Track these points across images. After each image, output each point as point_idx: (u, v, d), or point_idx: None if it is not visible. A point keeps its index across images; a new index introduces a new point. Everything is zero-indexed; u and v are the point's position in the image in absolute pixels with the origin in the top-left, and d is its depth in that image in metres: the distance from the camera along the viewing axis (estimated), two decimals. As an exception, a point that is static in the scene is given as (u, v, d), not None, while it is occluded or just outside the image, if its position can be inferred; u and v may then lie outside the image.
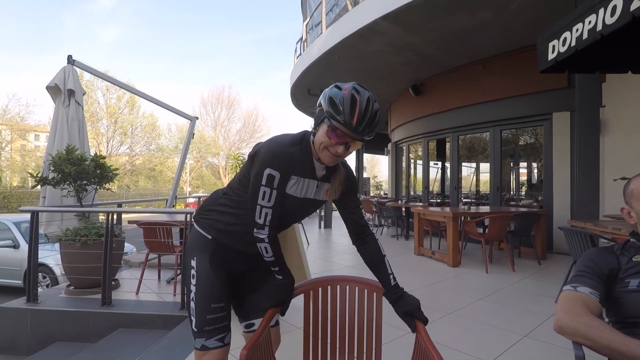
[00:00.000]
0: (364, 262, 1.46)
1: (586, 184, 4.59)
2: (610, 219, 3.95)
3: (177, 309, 3.47)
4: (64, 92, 4.66)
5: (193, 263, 1.39)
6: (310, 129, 1.34)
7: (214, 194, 1.52)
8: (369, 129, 1.20)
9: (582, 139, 4.65)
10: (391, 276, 1.41)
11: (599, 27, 2.62)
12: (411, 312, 1.33)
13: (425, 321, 1.31)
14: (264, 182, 1.24)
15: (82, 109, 4.91)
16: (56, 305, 3.65)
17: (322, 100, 1.24)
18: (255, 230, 1.28)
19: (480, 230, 5.48)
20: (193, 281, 1.38)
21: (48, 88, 4.77)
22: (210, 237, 1.41)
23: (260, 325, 1.32)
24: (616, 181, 3.72)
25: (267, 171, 1.23)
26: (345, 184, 1.41)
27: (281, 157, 1.25)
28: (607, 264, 1.26)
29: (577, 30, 2.93)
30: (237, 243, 1.41)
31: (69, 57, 4.87)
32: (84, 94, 5.22)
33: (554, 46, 3.43)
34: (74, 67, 4.86)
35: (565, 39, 3.14)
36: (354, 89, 1.20)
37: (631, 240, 1.31)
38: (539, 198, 7.03)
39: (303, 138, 1.32)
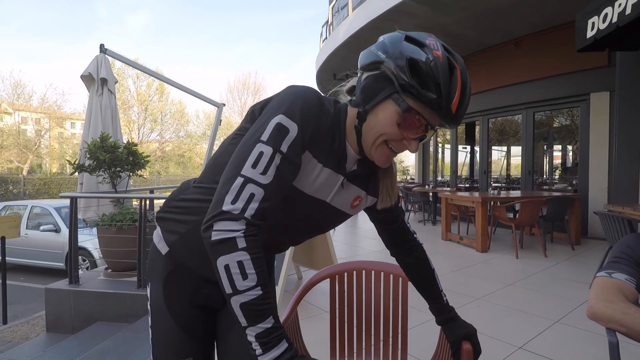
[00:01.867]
0: (408, 277, 1.14)
1: (626, 166, 4.37)
2: (653, 204, 3.75)
3: (208, 291, 3.60)
4: (97, 80, 4.82)
5: (147, 291, 0.95)
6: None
7: (182, 185, 0.98)
8: (460, 118, 0.76)
9: (622, 119, 4.41)
10: (442, 293, 1.12)
11: (645, -2, 2.46)
12: (468, 338, 1.07)
13: (479, 352, 1.06)
14: (264, 137, 0.71)
15: (115, 97, 5.07)
16: (96, 287, 3.86)
17: (389, 59, 0.74)
18: (214, 222, 0.66)
19: (511, 215, 5.33)
20: (149, 320, 0.95)
21: (82, 77, 4.95)
22: (164, 251, 0.92)
23: (292, 301, 1.23)
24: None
25: (279, 119, 0.72)
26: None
27: (311, 109, 0.76)
28: (647, 251, 1.21)
29: (619, 5, 2.76)
30: (205, 263, 0.76)
31: (101, 46, 5.01)
32: (116, 82, 5.39)
33: (593, 23, 3.24)
34: (106, 55, 5.01)
35: (606, 15, 2.96)
36: (445, 49, 0.75)
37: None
38: (574, 182, 6.75)
39: (336, 105, 0.84)
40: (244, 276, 0.65)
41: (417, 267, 1.10)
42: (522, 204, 4.94)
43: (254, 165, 0.69)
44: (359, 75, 0.82)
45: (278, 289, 3.04)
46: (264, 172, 0.69)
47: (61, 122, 30.66)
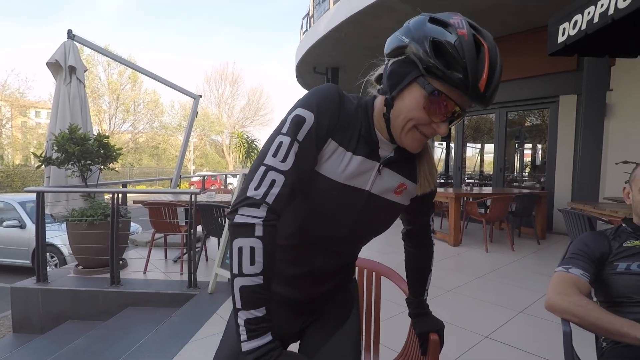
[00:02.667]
0: (405, 262, 1.19)
1: (588, 166, 4.61)
2: (609, 202, 3.98)
3: (185, 287, 3.57)
4: (65, 68, 4.62)
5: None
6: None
7: None
8: (492, 96, 0.75)
9: (586, 122, 4.64)
10: (426, 292, 1.19)
11: (611, 10, 2.59)
12: (435, 331, 1.13)
13: (441, 344, 1.12)
14: (284, 130, 0.75)
15: (84, 87, 4.89)
16: (66, 284, 3.75)
17: (413, 43, 0.73)
18: (239, 207, 0.71)
19: (482, 210, 5.53)
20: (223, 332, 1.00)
21: (49, 64, 4.73)
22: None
23: None
24: (618, 165, 3.74)
25: (296, 112, 0.77)
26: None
27: (328, 99, 0.79)
28: (600, 248, 1.31)
29: (588, 13, 2.89)
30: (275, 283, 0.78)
31: (69, 31, 4.79)
32: (86, 70, 5.19)
33: (564, 29, 3.38)
34: (75, 42, 4.80)
35: (576, 22, 3.09)
36: (472, 27, 0.72)
37: (623, 225, 1.35)
38: (542, 180, 7.04)
39: (361, 99, 0.87)
40: (252, 262, 0.68)
41: (418, 262, 1.15)
42: (493, 200, 5.13)
43: (275, 154, 0.73)
44: (385, 62, 0.81)
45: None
46: (284, 160, 0.73)
47: (24, 110, 29.25)
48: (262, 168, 0.72)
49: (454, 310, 3.05)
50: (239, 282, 0.68)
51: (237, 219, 0.70)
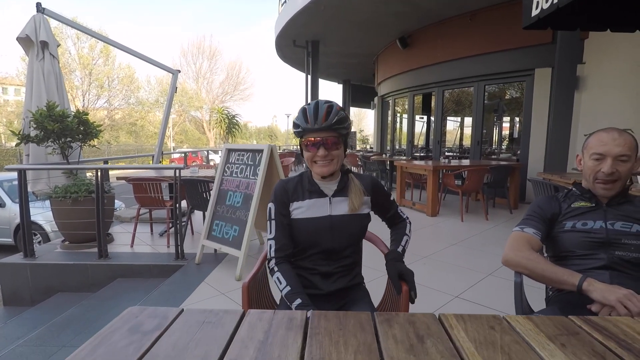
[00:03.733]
0: (390, 237, 1.55)
1: (558, 138, 4.82)
2: (576, 171, 4.23)
3: (172, 259, 3.68)
4: (37, 44, 4.48)
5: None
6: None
7: None
8: (327, 120, 1.26)
9: (557, 94, 4.81)
10: (401, 247, 1.45)
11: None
12: (403, 276, 1.34)
13: (414, 295, 1.32)
14: (267, 217, 1.39)
15: (58, 62, 4.75)
16: (54, 259, 3.81)
17: (293, 131, 1.41)
18: (268, 264, 1.37)
19: (459, 182, 5.75)
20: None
21: (19, 39, 4.56)
22: None
23: (258, 261, 1.50)
24: (586, 136, 3.95)
25: (269, 205, 1.38)
26: (370, 191, 1.44)
27: (277, 190, 1.38)
28: (551, 209, 1.47)
29: (561, -14, 2.97)
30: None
31: (38, 4, 4.60)
32: (59, 45, 5.02)
33: (538, 2, 3.46)
34: (45, 15, 4.63)
35: (548, -5, 3.18)
36: (305, 104, 1.37)
37: (573, 189, 1.51)
38: (518, 152, 7.31)
39: (303, 171, 1.43)
40: (280, 283, 1.29)
41: (394, 233, 1.54)
42: (468, 172, 5.35)
43: (268, 232, 1.37)
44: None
45: (241, 253, 3.19)
46: (270, 232, 1.36)
47: (-10, 87, 27.77)
48: (267, 241, 1.38)
49: (429, 274, 3.27)
50: (282, 293, 1.28)
51: (270, 266, 1.36)
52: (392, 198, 1.56)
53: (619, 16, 3.75)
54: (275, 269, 1.32)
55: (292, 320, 0.84)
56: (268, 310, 0.90)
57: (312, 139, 1.28)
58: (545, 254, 1.54)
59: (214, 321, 0.83)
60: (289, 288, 1.27)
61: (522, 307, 1.41)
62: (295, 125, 1.33)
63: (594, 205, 1.42)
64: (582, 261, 1.37)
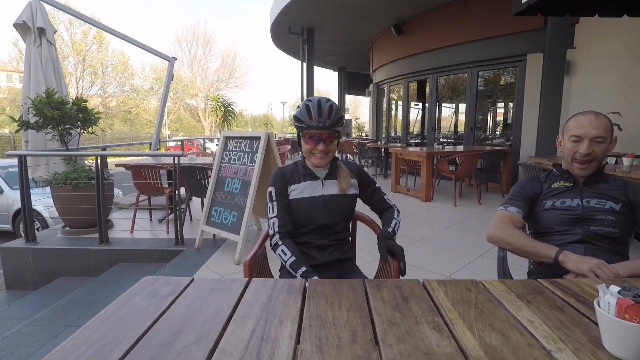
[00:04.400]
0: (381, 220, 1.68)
1: (548, 122, 4.92)
2: (566, 155, 4.33)
3: (172, 244, 3.77)
4: (34, 30, 4.48)
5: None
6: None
7: None
8: (329, 120, 1.42)
9: (548, 79, 4.89)
10: (391, 228, 1.56)
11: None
12: (393, 251, 1.44)
13: (403, 265, 1.40)
14: (268, 200, 1.52)
15: (55, 49, 4.76)
16: (55, 244, 3.89)
17: (293, 122, 1.53)
18: (270, 240, 1.48)
19: (453, 168, 5.87)
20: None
21: (16, 25, 4.57)
22: None
23: (258, 241, 1.59)
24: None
25: (269, 189, 1.53)
26: (356, 175, 1.61)
27: (275, 175, 1.53)
28: (533, 189, 1.57)
29: (548, -27, 3.01)
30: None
31: (34, -9, 4.60)
32: (55, 32, 5.02)
33: (528, -12, 3.52)
34: (41, 2, 4.62)
35: (537, -18, 3.23)
36: (307, 99, 1.47)
37: (554, 170, 1.61)
38: (511, 137, 7.42)
39: (298, 160, 1.61)
40: (285, 254, 1.41)
41: (384, 218, 1.66)
42: (462, 158, 5.46)
43: (269, 211, 1.50)
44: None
45: (240, 238, 3.29)
46: (272, 212, 1.49)
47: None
48: (269, 220, 1.50)
49: (422, 256, 3.40)
50: (288, 264, 1.39)
51: (273, 242, 1.47)
52: (377, 185, 1.70)
53: (607, 1, 3.81)
54: (280, 242, 1.44)
55: (292, 287, 0.94)
56: (270, 279, 1.00)
57: (315, 135, 1.45)
58: (528, 231, 1.65)
59: (223, 287, 0.93)
60: (294, 258, 1.40)
61: (504, 278, 1.52)
62: (297, 119, 1.46)
63: (571, 184, 1.52)
64: (560, 236, 1.48)
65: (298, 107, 1.49)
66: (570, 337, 0.71)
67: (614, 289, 0.67)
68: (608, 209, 1.44)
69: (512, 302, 0.84)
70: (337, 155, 1.61)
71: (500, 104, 8.24)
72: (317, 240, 1.53)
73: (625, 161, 3.50)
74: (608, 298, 0.66)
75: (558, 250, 1.31)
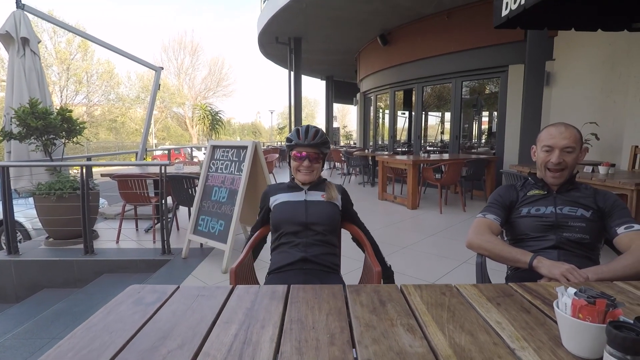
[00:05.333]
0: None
1: (529, 131, 5.07)
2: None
3: (159, 253, 3.75)
4: (17, 40, 4.46)
5: None
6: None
7: None
8: (315, 139, 1.66)
9: (528, 89, 5.06)
10: (387, 262, 1.76)
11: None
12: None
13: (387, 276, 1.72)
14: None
15: (39, 59, 4.73)
16: (39, 255, 3.83)
17: (286, 145, 1.77)
18: None
19: (439, 176, 5.98)
20: None
21: (-1, 35, 4.55)
22: None
23: (244, 250, 1.63)
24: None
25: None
26: (340, 193, 1.77)
27: (264, 191, 1.80)
28: (509, 197, 1.64)
29: (527, -12, 3.14)
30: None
31: (18, 0, 4.59)
32: (39, 42, 4.99)
33: (507, 3, 3.66)
34: (25, 12, 4.60)
35: (516, -3, 3.36)
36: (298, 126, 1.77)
37: (529, 178, 1.68)
38: (495, 146, 7.59)
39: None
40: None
41: (372, 247, 1.73)
42: (447, 166, 5.57)
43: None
44: None
45: (227, 247, 3.30)
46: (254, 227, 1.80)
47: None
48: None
49: (407, 263, 3.45)
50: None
51: None
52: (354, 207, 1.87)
53: (583, 16, 3.99)
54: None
55: (275, 293, 0.98)
56: (254, 286, 1.03)
57: (300, 152, 1.67)
58: (505, 238, 1.71)
59: (207, 294, 0.96)
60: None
61: (482, 282, 1.57)
62: (288, 139, 1.72)
63: (545, 192, 1.59)
64: (535, 242, 1.55)
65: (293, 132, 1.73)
66: (533, 336, 0.76)
67: (571, 290, 0.72)
68: (579, 216, 1.51)
69: (483, 304, 0.89)
70: (325, 163, 1.78)
71: (485, 113, 8.44)
72: (300, 239, 1.61)
73: (601, 169, 3.63)
74: (565, 299, 0.71)
75: (532, 256, 1.37)
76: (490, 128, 8.42)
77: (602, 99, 5.13)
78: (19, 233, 5.90)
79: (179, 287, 1.00)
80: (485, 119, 8.54)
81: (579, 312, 0.68)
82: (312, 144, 1.66)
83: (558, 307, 0.73)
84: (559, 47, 5.79)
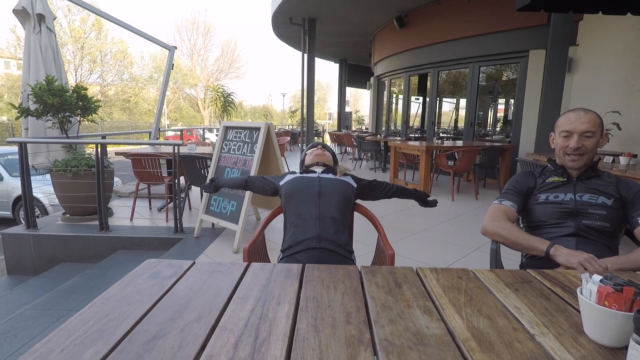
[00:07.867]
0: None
1: (548, 119, 4.94)
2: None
3: (172, 232, 3.81)
4: (33, 16, 4.46)
5: None
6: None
7: None
8: (326, 148, 2.00)
9: (549, 76, 4.90)
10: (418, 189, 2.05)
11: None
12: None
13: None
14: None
15: (55, 36, 4.75)
16: (56, 230, 3.92)
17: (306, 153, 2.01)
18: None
19: (452, 163, 5.89)
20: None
21: (15, 11, 4.56)
22: None
23: (257, 229, 1.64)
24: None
25: None
26: (356, 181, 1.83)
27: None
28: (527, 184, 1.61)
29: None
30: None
31: (33, -24, 4.57)
32: (55, 18, 5.00)
33: (531, -16, 3.51)
34: (41, -13, 4.59)
35: (540, -22, 3.22)
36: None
37: (548, 165, 1.64)
38: (511, 134, 7.43)
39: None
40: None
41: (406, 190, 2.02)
42: (460, 153, 5.48)
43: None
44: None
45: (238, 227, 3.33)
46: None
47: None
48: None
49: (417, 249, 3.44)
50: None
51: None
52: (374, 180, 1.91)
53: None
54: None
55: (290, 271, 0.98)
56: (269, 264, 1.03)
57: (314, 149, 1.95)
58: (521, 225, 1.68)
59: (223, 270, 0.96)
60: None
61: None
62: (305, 154, 1.99)
63: (565, 179, 1.55)
64: (553, 229, 1.52)
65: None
66: (553, 323, 0.75)
67: (597, 277, 0.70)
68: (600, 203, 1.47)
69: (501, 290, 0.88)
70: (337, 148, 1.81)
71: (501, 100, 8.23)
72: (313, 210, 1.62)
73: (622, 160, 3.53)
74: (590, 286, 0.70)
75: (549, 244, 1.34)
76: (506, 116, 8.23)
77: (626, 88, 4.95)
78: (36, 208, 6.06)
79: (194, 262, 1.01)
80: (501, 107, 8.33)
81: (604, 299, 0.66)
82: (323, 146, 2.00)
83: (582, 294, 0.71)
84: (584, 32, 5.57)
